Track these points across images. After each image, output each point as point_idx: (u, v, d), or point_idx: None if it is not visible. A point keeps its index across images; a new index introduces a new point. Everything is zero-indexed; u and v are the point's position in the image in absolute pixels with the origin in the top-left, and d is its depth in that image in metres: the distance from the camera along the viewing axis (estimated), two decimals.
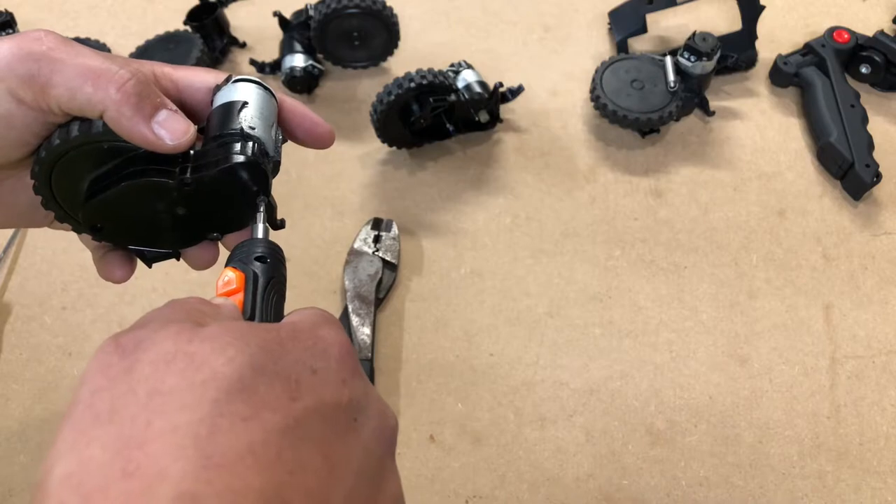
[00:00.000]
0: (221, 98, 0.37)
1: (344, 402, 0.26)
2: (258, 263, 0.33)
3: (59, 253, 0.69)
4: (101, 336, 0.64)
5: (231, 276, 0.33)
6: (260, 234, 0.36)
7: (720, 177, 0.73)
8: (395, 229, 0.68)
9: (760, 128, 0.77)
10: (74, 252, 0.69)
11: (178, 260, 0.41)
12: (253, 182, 0.35)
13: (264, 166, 0.35)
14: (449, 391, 0.61)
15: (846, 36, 0.78)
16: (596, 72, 0.75)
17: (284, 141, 0.39)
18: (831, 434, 0.59)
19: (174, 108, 0.35)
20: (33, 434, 0.59)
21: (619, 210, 0.71)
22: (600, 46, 0.83)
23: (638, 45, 0.82)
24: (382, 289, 0.66)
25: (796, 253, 0.68)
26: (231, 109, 0.36)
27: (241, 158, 0.34)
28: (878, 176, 0.69)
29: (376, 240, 0.68)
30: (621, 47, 0.81)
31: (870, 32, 0.78)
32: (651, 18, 0.81)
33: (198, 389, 0.23)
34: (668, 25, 0.84)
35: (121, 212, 0.36)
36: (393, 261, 0.67)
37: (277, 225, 0.38)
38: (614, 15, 0.83)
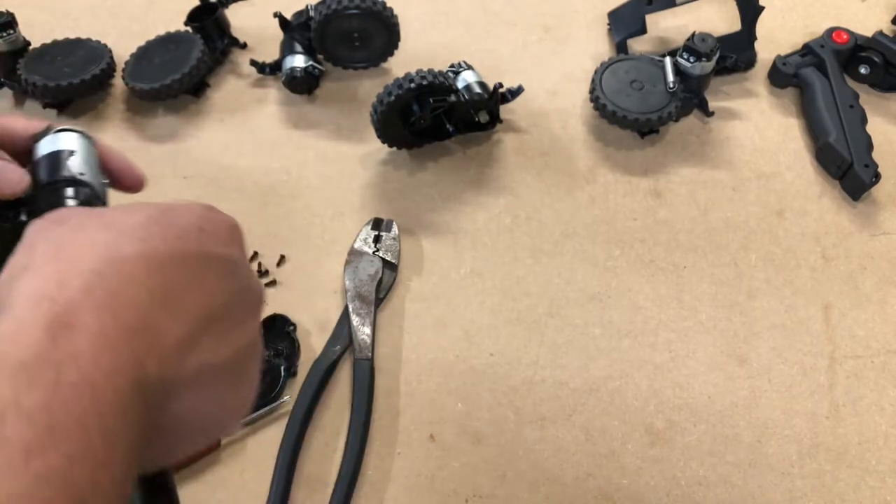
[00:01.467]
0: (46, 147, 0.39)
1: (224, 256, 0.31)
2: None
3: None
4: None
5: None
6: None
7: (719, 177, 0.73)
8: (395, 229, 0.69)
9: (759, 128, 0.77)
10: None
11: None
12: (85, 198, 0.38)
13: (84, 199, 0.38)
14: (449, 391, 0.61)
15: (845, 36, 0.78)
16: (595, 72, 0.75)
17: (109, 185, 0.40)
18: (830, 434, 0.59)
19: (5, 156, 0.37)
20: None
21: (619, 210, 0.71)
22: (600, 47, 0.84)
23: (637, 45, 0.83)
24: (382, 289, 0.66)
25: (795, 253, 0.68)
26: (59, 158, 0.38)
27: (74, 203, 0.37)
28: (877, 176, 0.70)
29: (376, 240, 0.68)
30: (621, 48, 0.81)
31: (869, 33, 0.78)
32: (650, 19, 0.81)
33: (109, 229, 0.29)
34: (667, 26, 0.84)
35: None
36: (393, 261, 0.67)
37: None
38: (614, 16, 0.83)
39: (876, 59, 0.77)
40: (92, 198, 0.37)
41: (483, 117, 0.74)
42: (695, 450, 0.58)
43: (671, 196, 0.72)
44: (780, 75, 0.78)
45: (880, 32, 0.78)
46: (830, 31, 0.79)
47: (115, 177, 0.41)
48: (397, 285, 0.67)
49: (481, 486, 0.57)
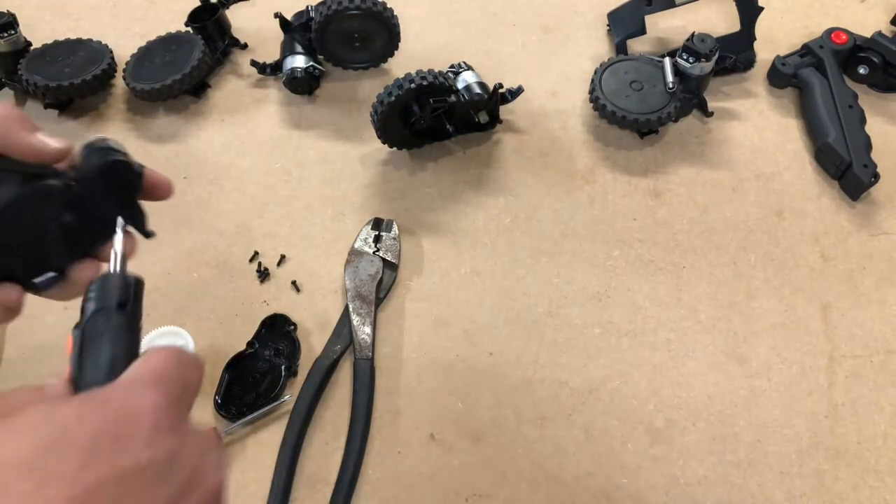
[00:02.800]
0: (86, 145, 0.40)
1: (143, 464, 0.27)
2: (91, 318, 0.34)
3: None
4: None
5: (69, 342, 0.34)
6: (114, 268, 0.37)
7: (718, 177, 0.73)
8: (395, 229, 0.69)
9: (759, 128, 0.77)
10: None
11: (63, 278, 0.41)
12: (128, 183, 0.40)
13: (137, 167, 0.40)
14: (449, 391, 0.61)
15: (844, 37, 0.78)
16: (595, 73, 0.76)
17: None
18: (829, 433, 0.59)
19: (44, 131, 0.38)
20: None
21: (618, 210, 0.71)
22: (599, 48, 0.84)
23: (637, 46, 0.83)
24: (383, 288, 0.66)
25: (794, 253, 0.68)
26: (101, 140, 0.40)
27: (118, 157, 0.39)
28: (876, 176, 0.70)
29: (377, 240, 0.68)
30: (620, 48, 0.81)
31: (868, 33, 0.78)
32: (650, 20, 0.81)
33: None
34: (666, 27, 0.85)
35: (3, 237, 0.37)
36: (393, 261, 0.67)
37: (148, 234, 0.42)
38: (613, 16, 0.83)
39: (875, 59, 0.77)
40: (132, 160, 0.40)
41: (483, 117, 0.74)
42: (694, 449, 0.59)
43: (670, 196, 0.72)
44: (780, 76, 0.79)
45: (879, 33, 0.78)
46: (829, 31, 0.79)
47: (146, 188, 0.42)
48: (397, 285, 0.67)
49: (481, 485, 0.57)
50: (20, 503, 0.24)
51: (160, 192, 0.42)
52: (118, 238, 0.39)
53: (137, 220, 0.41)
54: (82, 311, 0.34)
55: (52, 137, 0.38)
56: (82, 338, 0.33)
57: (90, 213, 0.39)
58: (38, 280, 0.40)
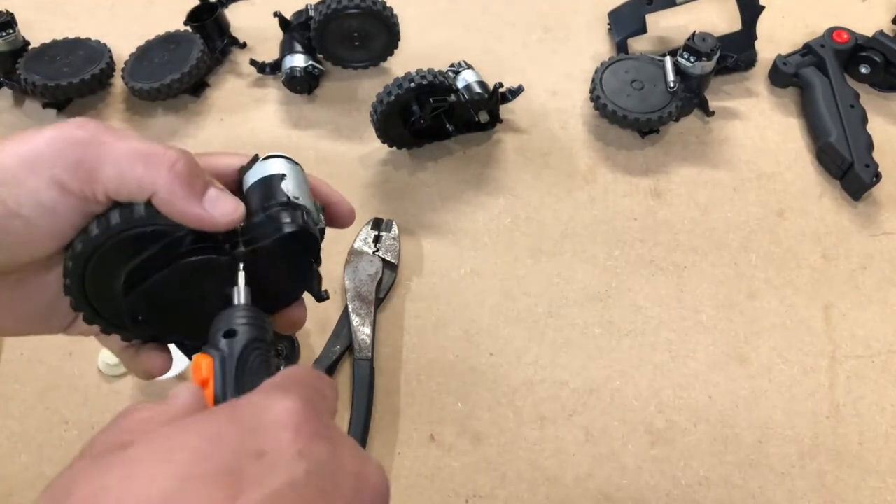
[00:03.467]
0: (255, 175, 0.37)
1: (301, 478, 0.24)
2: (229, 339, 0.31)
3: None
4: None
5: (199, 362, 0.31)
6: (238, 300, 0.34)
7: (719, 177, 0.73)
8: (395, 229, 0.69)
9: (760, 128, 0.77)
10: None
11: None
12: (306, 250, 0.35)
13: (315, 233, 0.35)
14: (449, 391, 0.61)
15: (846, 36, 0.78)
16: (596, 72, 0.75)
17: (321, 210, 0.39)
18: (831, 434, 0.59)
19: (221, 186, 0.34)
20: (34, 434, 0.59)
21: (619, 210, 0.71)
22: (600, 47, 0.84)
23: (638, 45, 0.83)
24: (382, 289, 0.66)
25: (796, 253, 0.68)
26: (271, 183, 0.36)
27: (293, 228, 0.34)
28: (878, 176, 0.69)
29: (376, 240, 0.68)
30: (621, 48, 0.81)
31: (869, 33, 0.78)
32: (651, 19, 0.81)
33: (170, 476, 0.22)
34: (667, 26, 0.84)
35: (165, 300, 0.35)
36: (393, 261, 0.67)
37: (321, 296, 0.38)
38: (614, 15, 0.83)
39: (876, 58, 0.77)
40: (309, 222, 0.35)
41: (483, 117, 0.74)
42: (695, 450, 0.58)
43: (671, 196, 0.72)
44: (781, 75, 0.78)
45: (881, 32, 0.77)
46: (831, 30, 0.79)
47: (325, 208, 0.39)
48: (397, 285, 0.67)
49: (481, 486, 0.57)
50: None
51: (337, 215, 0.40)
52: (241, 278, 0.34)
53: (311, 285, 0.37)
54: (217, 332, 0.32)
55: (227, 198, 0.33)
56: (222, 357, 0.31)
57: (259, 284, 0.35)
58: (189, 343, 0.38)
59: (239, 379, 0.30)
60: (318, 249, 0.36)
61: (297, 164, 0.38)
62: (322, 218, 0.37)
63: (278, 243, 0.34)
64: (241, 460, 0.23)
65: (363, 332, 0.63)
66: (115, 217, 0.32)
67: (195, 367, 0.31)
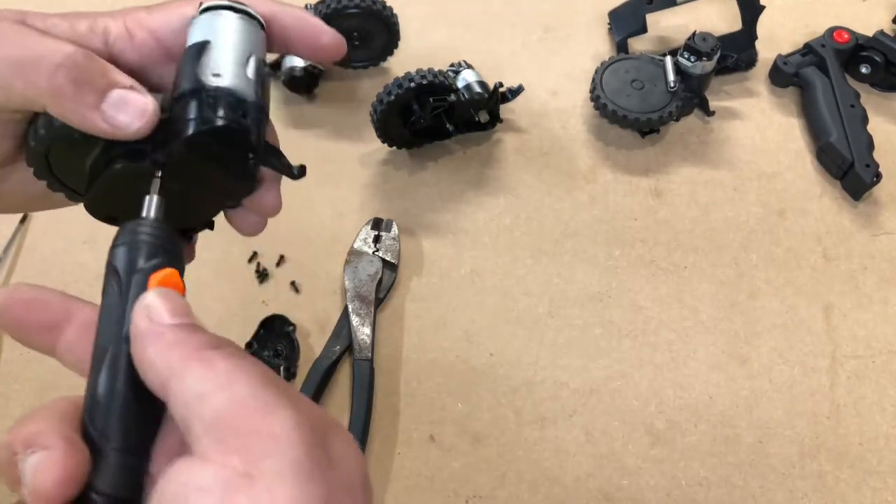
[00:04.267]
0: (190, 39, 0.31)
1: None
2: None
3: (60, 253, 0.69)
4: None
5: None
6: (145, 213, 0.30)
7: (720, 177, 0.73)
8: (395, 229, 0.68)
9: (760, 128, 0.77)
10: (74, 252, 0.69)
11: (212, 230, 0.37)
12: (230, 144, 0.30)
13: (233, 124, 0.30)
14: (449, 391, 0.61)
15: (846, 36, 0.78)
16: (596, 72, 0.75)
17: (273, 74, 0.35)
18: (831, 434, 0.59)
19: (128, 82, 0.30)
20: None
21: (619, 210, 0.71)
22: (600, 46, 0.83)
23: (638, 45, 0.82)
24: (382, 289, 0.66)
25: (796, 253, 0.68)
26: (192, 56, 0.30)
27: (191, 128, 0.29)
28: (878, 176, 0.69)
29: (376, 240, 0.68)
30: (621, 47, 0.81)
31: (870, 32, 0.78)
32: (651, 18, 0.81)
33: None
34: (667, 25, 0.84)
35: (123, 198, 0.32)
36: (393, 261, 0.67)
37: (294, 173, 0.33)
38: (614, 15, 0.83)
39: (877, 58, 0.77)
40: (227, 109, 0.30)
41: (483, 117, 0.74)
42: (695, 450, 0.58)
43: (672, 196, 0.72)
44: (781, 75, 0.78)
45: (881, 32, 0.77)
46: (831, 30, 0.79)
47: (300, 49, 0.34)
48: (397, 285, 0.67)
49: (481, 486, 0.57)
50: None
51: (316, 52, 0.34)
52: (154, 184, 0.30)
53: (273, 163, 0.32)
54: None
55: (131, 101, 0.29)
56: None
57: (199, 180, 0.31)
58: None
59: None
60: (246, 138, 0.30)
61: (244, 13, 0.32)
62: (263, 92, 0.31)
63: (189, 145, 0.29)
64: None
65: (363, 332, 0.63)
66: (41, 126, 0.30)
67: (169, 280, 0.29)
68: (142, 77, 0.32)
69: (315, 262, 0.68)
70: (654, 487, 0.57)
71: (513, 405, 0.61)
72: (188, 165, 0.31)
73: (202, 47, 0.30)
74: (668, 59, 0.75)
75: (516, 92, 0.75)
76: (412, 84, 0.67)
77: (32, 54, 0.28)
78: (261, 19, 0.33)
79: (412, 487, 0.57)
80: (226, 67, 0.30)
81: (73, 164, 0.32)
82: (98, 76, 0.29)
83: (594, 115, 0.77)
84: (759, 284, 0.66)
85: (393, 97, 0.68)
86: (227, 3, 0.32)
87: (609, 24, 0.84)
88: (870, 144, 0.71)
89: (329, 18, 0.74)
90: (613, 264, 0.68)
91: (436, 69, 0.69)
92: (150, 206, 0.30)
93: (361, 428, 0.58)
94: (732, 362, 0.62)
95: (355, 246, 0.68)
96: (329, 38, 0.34)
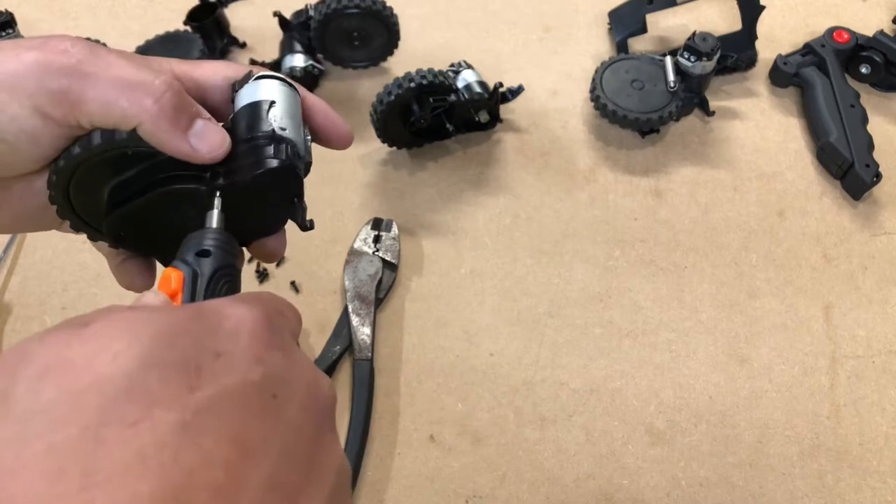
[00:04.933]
0: (246, 97, 0.36)
1: (256, 381, 0.24)
2: (200, 259, 0.32)
3: (60, 253, 0.69)
4: None
5: (168, 275, 0.31)
6: (213, 224, 0.34)
7: (720, 177, 0.73)
8: (395, 229, 0.68)
9: (760, 128, 0.77)
10: (74, 252, 0.69)
11: None
12: (287, 186, 0.35)
13: (298, 169, 0.34)
14: (449, 391, 0.61)
15: (846, 36, 0.78)
16: (596, 72, 0.75)
17: (312, 140, 0.38)
18: (831, 434, 0.59)
19: (208, 115, 0.34)
20: None
21: (619, 210, 0.71)
22: (600, 46, 0.83)
23: (638, 45, 0.82)
24: (382, 289, 0.66)
25: (796, 253, 0.68)
26: (258, 110, 0.35)
27: (274, 163, 0.33)
28: (878, 176, 0.69)
29: (376, 240, 0.68)
30: (621, 47, 0.81)
31: (870, 32, 0.78)
32: (651, 18, 0.81)
33: (78, 399, 0.21)
34: (667, 25, 0.84)
35: (147, 220, 0.35)
36: (393, 261, 0.67)
37: (306, 226, 0.37)
38: (614, 15, 0.83)
39: (877, 58, 0.77)
40: (294, 156, 0.34)
41: (483, 117, 0.74)
42: (695, 450, 0.58)
43: (672, 196, 0.72)
44: (781, 75, 0.78)
45: (881, 32, 0.77)
46: (831, 30, 0.79)
47: (319, 133, 0.39)
48: (397, 285, 0.67)
49: (481, 486, 0.57)
50: (127, 434, 0.20)
51: (331, 140, 0.39)
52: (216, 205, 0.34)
53: (295, 217, 0.37)
54: (190, 249, 0.32)
55: (214, 131, 0.33)
56: (194, 273, 0.31)
57: (237, 215, 0.34)
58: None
59: (207, 297, 0.31)
60: (301, 186, 0.35)
61: (292, 86, 0.37)
62: (310, 150, 0.37)
63: (258, 178, 0.33)
64: (199, 356, 0.23)
65: (363, 332, 0.63)
66: (96, 138, 0.32)
67: (164, 280, 0.30)
68: None
69: (315, 262, 0.68)
70: (654, 487, 0.57)
71: (513, 405, 0.61)
72: (244, 196, 0.34)
73: (272, 104, 0.35)
74: (668, 59, 0.75)
75: (516, 92, 0.75)
76: (412, 84, 0.67)
77: (140, 78, 0.32)
78: (297, 89, 0.38)
79: (412, 487, 0.57)
80: (289, 124, 0.35)
81: (95, 187, 0.34)
82: (189, 105, 0.33)
83: (594, 115, 0.77)
84: (759, 284, 0.66)
85: (393, 97, 0.68)
86: (276, 74, 0.37)
87: (609, 23, 0.84)
88: (870, 144, 0.71)
89: (329, 18, 0.74)
90: (613, 264, 0.68)
91: (436, 69, 0.69)
92: (212, 218, 0.34)
93: (361, 428, 0.58)
94: (732, 362, 0.62)
95: (355, 246, 0.68)
96: (343, 135, 0.40)
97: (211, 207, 0.34)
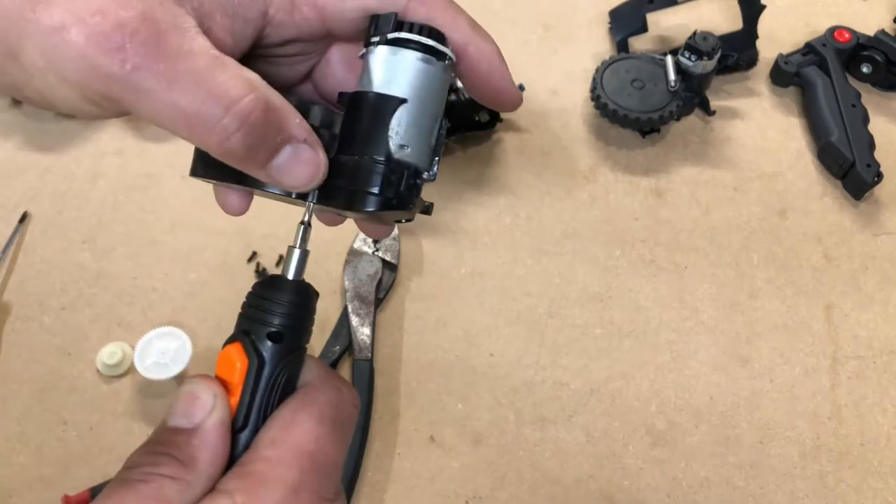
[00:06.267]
0: (375, 73, 0.29)
1: None
2: (269, 344, 0.28)
3: (59, 253, 0.69)
4: (99, 336, 0.64)
5: (233, 359, 0.28)
6: (291, 273, 0.30)
7: (721, 176, 0.73)
8: (395, 229, 0.68)
9: (761, 127, 0.76)
10: (74, 252, 0.68)
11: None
12: (392, 213, 0.30)
13: (409, 205, 0.29)
14: (449, 391, 0.61)
15: (847, 35, 0.78)
16: (596, 71, 0.75)
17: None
18: (832, 434, 0.59)
19: (303, 136, 0.28)
20: (32, 435, 0.59)
21: (620, 210, 0.71)
22: (601, 46, 0.83)
23: (638, 44, 0.82)
24: (382, 289, 0.65)
25: (797, 253, 0.68)
26: (380, 112, 0.28)
27: (375, 205, 0.28)
28: (879, 175, 0.69)
29: (376, 240, 0.68)
30: (622, 47, 0.81)
31: (870, 32, 0.78)
32: (651, 18, 0.81)
33: None
34: (668, 25, 0.84)
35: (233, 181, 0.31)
36: (393, 261, 0.67)
37: (427, 212, 0.33)
38: (615, 14, 0.83)
39: (878, 58, 0.77)
40: (407, 190, 0.28)
41: (483, 116, 0.73)
42: (696, 451, 0.58)
43: (672, 196, 0.72)
44: (782, 74, 0.78)
45: (882, 31, 0.77)
46: (832, 29, 0.78)
47: (484, 97, 0.33)
48: (397, 285, 0.66)
49: (481, 487, 0.57)
50: None
51: (500, 107, 0.34)
52: (295, 254, 0.31)
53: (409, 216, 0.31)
54: (256, 325, 0.29)
55: (302, 162, 0.28)
56: (258, 365, 0.28)
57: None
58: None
59: (267, 397, 0.28)
60: (413, 212, 0.30)
61: (442, 57, 0.29)
62: (437, 161, 0.30)
63: (349, 209, 0.29)
64: None
65: (363, 332, 0.63)
66: None
67: (226, 363, 0.28)
68: (289, 45, 0.31)
69: (315, 262, 0.68)
70: (655, 488, 0.57)
71: (513, 405, 0.60)
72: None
73: (397, 105, 0.28)
74: (669, 59, 0.74)
75: None
76: None
77: (205, 112, 0.26)
78: (453, 57, 0.30)
79: (412, 488, 0.57)
80: (414, 139, 0.29)
81: None
82: (273, 134, 0.27)
83: (594, 115, 0.77)
84: (759, 284, 0.66)
85: None
86: (424, 40, 0.29)
87: (609, 23, 0.84)
88: (871, 144, 0.71)
89: None
90: (614, 264, 0.68)
91: None
92: (292, 265, 0.31)
93: (361, 429, 0.58)
94: (733, 363, 0.62)
95: (355, 246, 0.68)
96: (511, 93, 0.33)
97: (293, 249, 0.30)
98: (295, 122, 0.28)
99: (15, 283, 0.67)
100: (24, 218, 0.70)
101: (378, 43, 0.29)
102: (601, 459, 0.58)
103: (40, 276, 0.67)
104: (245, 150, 0.27)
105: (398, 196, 0.28)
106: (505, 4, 0.88)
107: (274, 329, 0.28)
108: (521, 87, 0.75)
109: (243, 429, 0.28)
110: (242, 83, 0.26)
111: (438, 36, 0.29)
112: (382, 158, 0.28)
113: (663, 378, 0.61)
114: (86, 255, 0.68)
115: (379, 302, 0.65)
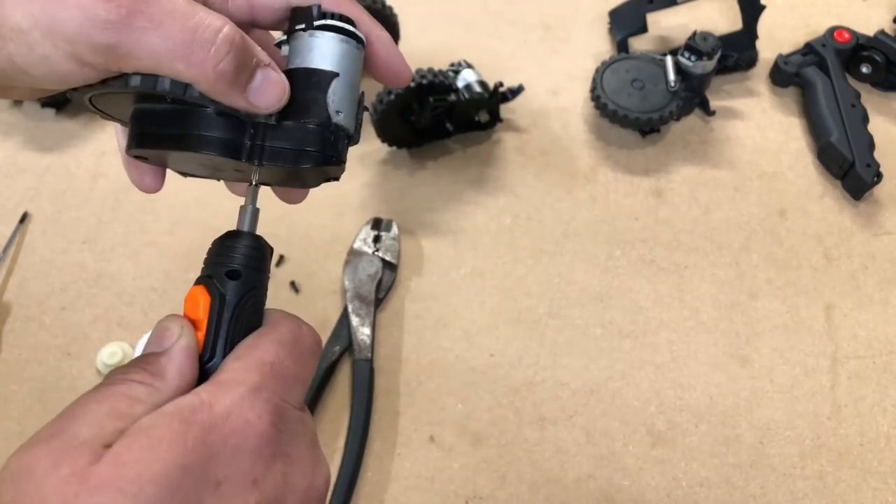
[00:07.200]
0: (306, 51, 0.33)
1: None
2: (229, 281, 0.31)
3: (59, 253, 0.69)
4: (99, 336, 0.64)
5: (197, 298, 0.31)
6: (246, 225, 0.33)
7: (721, 177, 0.73)
8: (395, 229, 0.68)
9: (761, 127, 0.76)
10: (74, 252, 0.68)
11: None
12: (328, 171, 0.35)
13: (342, 160, 0.34)
14: (449, 391, 0.61)
15: (847, 35, 0.78)
16: (596, 71, 0.75)
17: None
18: (832, 434, 0.59)
19: (268, 60, 0.31)
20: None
21: (620, 210, 0.71)
22: (601, 46, 0.83)
23: (638, 44, 0.82)
24: (382, 289, 0.65)
25: (797, 253, 0.68)
26: (319, 83, 0.32)
27: (317, 159, 0.32)
28: (879, 176, 0.69)
29: (376, 240, 0.68)
30: (622, 47, 0.81)
31: (870, 32, 0.78)
32: (651, 18, 0.81)
33: None
34: (668, 25, 0.84)
35: (173, 156, 0.34)
36: (393, 261, 0.67)
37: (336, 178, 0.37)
38: (615, 14, 0.83)
39: (877, 58, 0.77)
40: (342, 148, 0.33)
41: (483, 116, 0.73)
42: (696, 451, 0.58)
43: (672, 196, 0.72)
44: (782, 74, 0.78)
45: (882, 31, 0.77)
46: (832, 30, 0.78)
47: (378, 72, 0.36)
48: (397, 285, 0.66)
49: (481, 487, 0.57)
50: None
51: (390, 82, 0.37)
52: (249, 209, 0.34)
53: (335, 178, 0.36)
54: (217, 267, 0.31)
55: (273, 84, 0.31)
56: (220, 300, 0.31)
57: (274, 177, 0.36)
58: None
59: (231, 329, 0.31)
60: (341, 170, 0.35)
61: (359, 40, 0.34)
62: (360, 126, 0.35)
63: (298, 166, 0.33)
64: (200, 492, 0.25)
65: (363, 332, 0.63)
66: (134, 81, 0.30)
67: (191, 301, 0.31)
68: None
69: (315, 262, 0.68)
70: (655, 488, 0.57)
71: (513, 405, 0.60)
72: (281, 169, 0.34)
73: (333, 77, 0.33)
74: (669, 59, 0.74)
75: (516, 92, 0.75)
76: (412, 84, 0.67)
77: (196, 40, 0.28)
78: (364, 41, 0.35)
79: (412, 488, 0.57)
80: (345, 105, 0.33)
81: (118, 105, 0.33)
82: (251, 57, 0.30)
83: (595, 115, 0.77)
84: (759, 284, 0.66)
85: (393, 97, 0.68)
86: (344, 26, 0.33)
87: (609, 23, 0.84)
88: (870, 144, 0.71)
89: None
90: (614, 264, 0.68)
91: (436, 69, 0.69)
92: (246, 217, 0.34)
93: (360, 429, 0.58)
94: (733, 362, 0.62)
95: (355, 246, 0.68)
96: (405, 73, 0.37)
97: (248, 184, 0.34)
98: (258, 48, 0.31)
99: (15, 283, 0.67)
100: (24, 218, 0.70)
101: (306, 28, 0.33)
102: (601, 459, 0.58)
103: (40, 276, 0.67)
104: (235, 73, 0.29)
105: (336, 153, 0.33)
106: (505, 5, 0.88)
107: (231, 268, 0.31)
108: (521, 87, 0.75)
109: (211, 359, 0.30)
110: (218, 16, 0.30)
111: (353, 23, 0.34)
112: (324, 122, 0.32)
113: (663, 378, 0.61)
114: (86, 255, 0.68)
115: (379, 302, 0.65)
